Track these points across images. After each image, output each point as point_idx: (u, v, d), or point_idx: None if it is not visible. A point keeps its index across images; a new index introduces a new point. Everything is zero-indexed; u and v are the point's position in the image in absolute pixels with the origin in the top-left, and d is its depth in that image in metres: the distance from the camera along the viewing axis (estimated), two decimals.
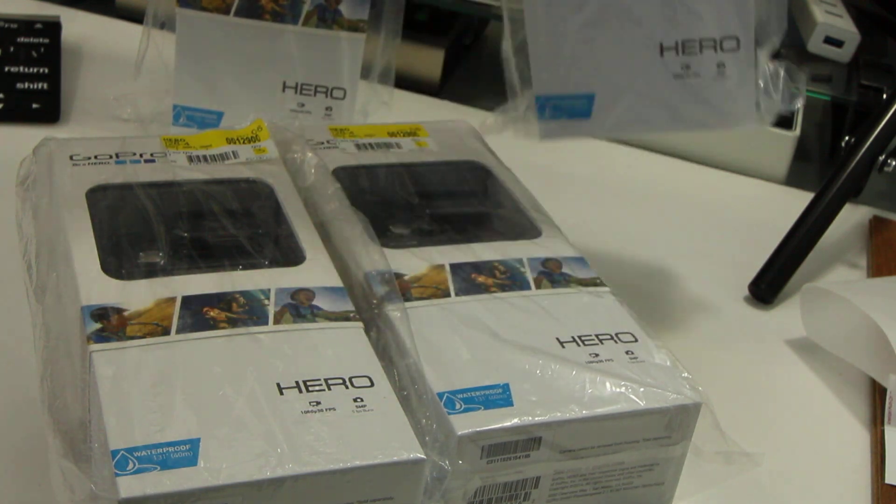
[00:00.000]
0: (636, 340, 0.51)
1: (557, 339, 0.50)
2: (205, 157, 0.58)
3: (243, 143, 0.60)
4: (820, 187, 0.71)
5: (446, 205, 0.61)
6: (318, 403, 0.44)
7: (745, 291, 0.69)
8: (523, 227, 0.59)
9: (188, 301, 0.48)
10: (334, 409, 0.43)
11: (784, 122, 0.83)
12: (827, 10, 0.89)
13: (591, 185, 0.78)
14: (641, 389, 0.48)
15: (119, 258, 0.52)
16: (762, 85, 0.59)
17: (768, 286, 0.68)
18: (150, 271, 0.51)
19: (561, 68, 0.58)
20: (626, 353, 0.50)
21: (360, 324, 0.48)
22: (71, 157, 0.57)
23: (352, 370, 0.46)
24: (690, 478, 0.51)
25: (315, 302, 0.49)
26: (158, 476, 0.39)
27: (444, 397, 0.46)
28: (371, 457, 0.42)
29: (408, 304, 0.50)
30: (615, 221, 0.75)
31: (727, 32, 0.57)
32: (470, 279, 0.53)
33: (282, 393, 0.44)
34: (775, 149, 0.82)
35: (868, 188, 0.76)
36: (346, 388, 0.45)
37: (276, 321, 0.47)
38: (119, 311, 0.47)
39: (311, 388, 0.44)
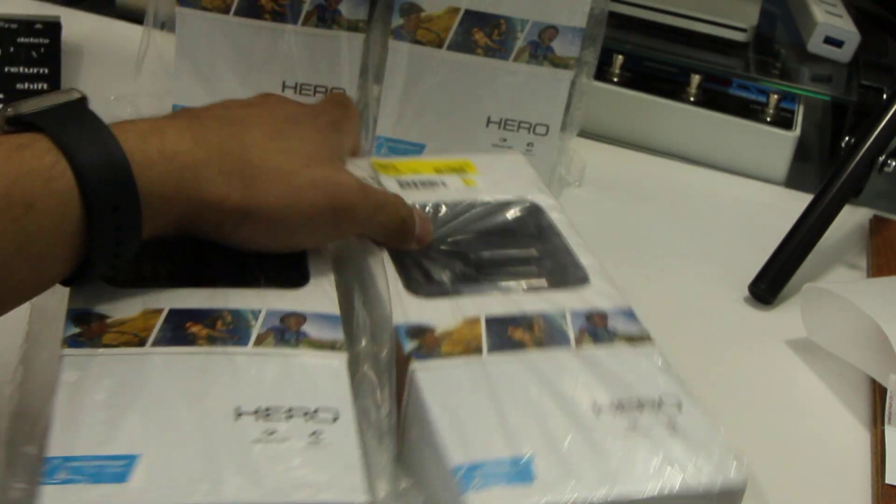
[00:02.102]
0: (679, 407, 0.47)
1: (594, 402, 0.47)
2: None
3: None
4: (820, 188, 0.71)
5: (491, 247, 0.57)
6: (273, 433, 0.42)
7: (745, 291, 0.69)
8: (571, 273, 0.55)
9: (174, 314, 0.47)
10: (287, 441, 0.42)
11: (784, 122, 0.83)
12: (827, 10, 0.89)
13: (591, 185, 0.78)
14: (682, 467, 0.44)
15: (128, 265, 0.52)
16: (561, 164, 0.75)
17: (768, 286, 0.68)
18: (153, 281, 0.50)
19: (404, 118, 0.72)
20: (668, 421, 0.46)
21: (345, 355, 0.47)
22: None
23: (319, 402, 0.44)
24: None
25: (304, 328, 0.48)
26: (84, 489, 0.39)
27: (462, 471, 0.43)
28: (309, 494, 0.40)
29: (436, 363, 0.47)
30: (615, 222, 0.75)
31: (540, 120, 0.72)
32: (505, 335, 0.50)
33: (238, 418, 0.43)
34: (775, 149, 0.82)
35: (868, 188, 0.76)
36: (308, 420, 0.43)
37: (257, 343, 0.46)
38: (102, 317, 0.46)
39: (270, 417, 0.43)
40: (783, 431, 0.58)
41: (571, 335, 0.50)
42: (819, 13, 0.88)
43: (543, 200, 0.60)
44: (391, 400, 0.47)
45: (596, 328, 0.51)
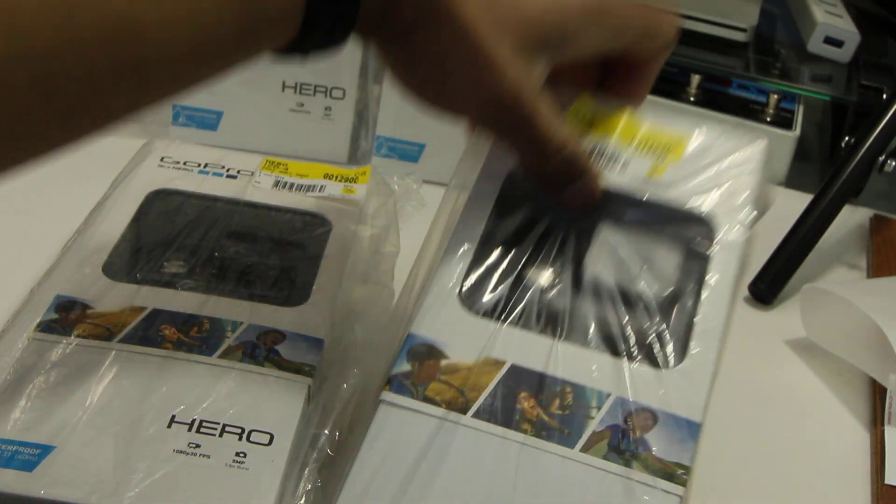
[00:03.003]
0: None
1: None
2: (290, 185, 0.58)
3: (338, 180, 0.59)
4: (820, 188, 0.71)
5: (618, 268, 0.44)
6: (198, 447, 0.42)
7: (745, 291, 0.69)
8: (671, 341, 0.42)
9: (155, 314, 0.48)
10: (208, 457, 0.42)
11: (784, 122, 0.83)
12: (827, 10, 0.89)
13: None
14: None
15: (135, 261, 0.52)
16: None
17: (768, 286, 0.68)
18: (153, 280, 0.51)
19: (404, 118, 0.72)
20: None
21: (309, 380, 0.46)
22: (162, 159, 0.57)
23: (259, 423, 0.44)
24: None
25: (278, 346, 0.47)
26: None
27: None
28: None
29: (409, 403, 0.40)
30: None
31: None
32: (511, 399, 0.40)
33: (170, 426, 0.43)
34: (775, 149, 0.82)
35: (868, 188, 0.75)
36: (240, 439, 0.43)
37: (223, 355, 0.46)
38: (86, 307, 0.47)
39: (202, 430, 0.43)
40: (783, 431, 0.58)
41: (587, 433, 0.39)
42: (819, 13, 0.88)
43: (726, 219, 0.44)
44: (332, 431, 0.46)
45: (627, 436, 0.39)
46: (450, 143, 0.72)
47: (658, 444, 0.39)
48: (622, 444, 0.39)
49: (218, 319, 0.48)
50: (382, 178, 0.60)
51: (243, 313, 0.48)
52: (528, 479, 0.39)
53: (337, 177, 0.59)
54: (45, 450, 0.41)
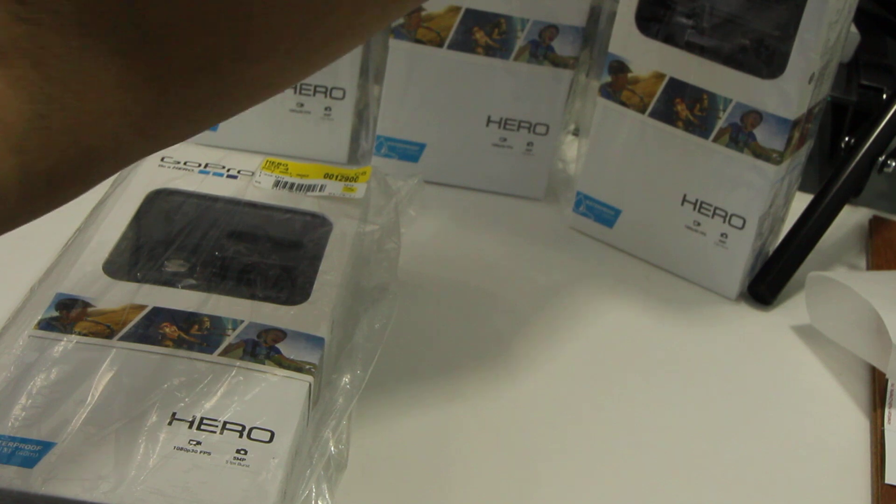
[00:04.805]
0: None
1: None
2: (291, 185, 0.58)
3: (338, 180, 0.59)
4: (820, 188, 0.71)
5: None
6: (198, 444, 0.42)
7: (745, 291, 0.69)
8: None
9: (156, 312, 0.47)
10: (209, 454, 0.42)
11: None
12: None
13: None
14: None
15: (136, 260, 0.52)
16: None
17: (768, 287, 0.68)
18: (154, 279, 0.51)
19: (404, 118, 0.72)
20: None
21: (310, 378, 0.46)
22: (162, 159, 0.57)
23: (259, 421, 0.44)
24: None
25: (279, 344, 0.47)
26: None
27: None
28: None
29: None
30: None
31: (540, 120, 0.72)
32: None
33: (170, 423, 0.43)
34: None
35: (868, 188, 0.76)
36: (240, 437, 0.43)
37: (224, 353, 0.46)
38: (86, 305, 0.47)
39: (203, 427, 0.43)
40: (782, 432, 0.58)
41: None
42: None
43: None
44: (334, 429, 0.46)
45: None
46: (450, 143, 0.73)
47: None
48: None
49: (218, 318, 0.48)
50: (384, 178, 0.61)
51: (244, 312, 0.48)
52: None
53: (337, 176, 0.59)
54: (46, 446, 0.41)
